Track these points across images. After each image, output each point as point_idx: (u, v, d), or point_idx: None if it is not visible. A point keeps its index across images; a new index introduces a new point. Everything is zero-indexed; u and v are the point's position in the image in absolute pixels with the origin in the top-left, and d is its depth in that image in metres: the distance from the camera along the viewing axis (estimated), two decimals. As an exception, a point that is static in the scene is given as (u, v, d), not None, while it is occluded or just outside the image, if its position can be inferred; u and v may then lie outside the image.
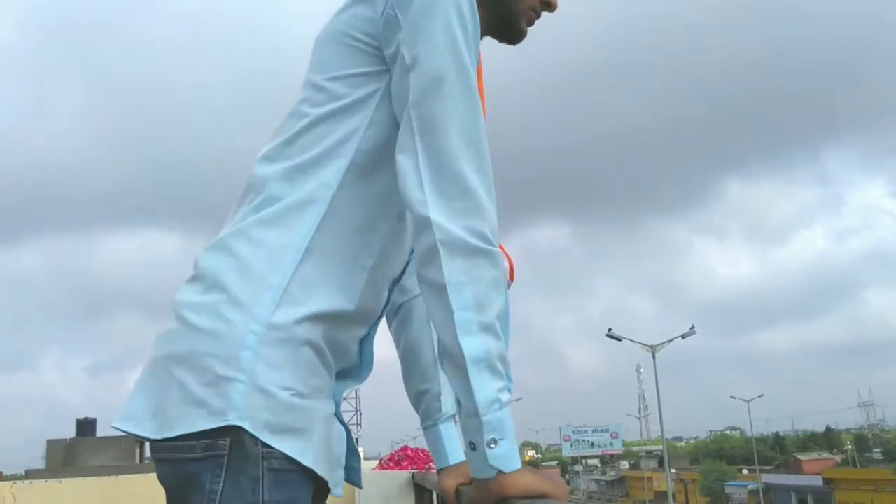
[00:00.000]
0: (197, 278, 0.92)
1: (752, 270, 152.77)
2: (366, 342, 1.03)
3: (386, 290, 1.03)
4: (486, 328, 0.85)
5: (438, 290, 0.85)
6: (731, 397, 48.93)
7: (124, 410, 0.91)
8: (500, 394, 0.85)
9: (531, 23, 1.10)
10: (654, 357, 29.57)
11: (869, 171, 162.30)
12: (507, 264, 2.27)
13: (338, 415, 1.00)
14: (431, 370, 1.16)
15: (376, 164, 0.94)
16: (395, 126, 0.92)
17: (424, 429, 1.17)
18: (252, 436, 0.84)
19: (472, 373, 0.84)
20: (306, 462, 0.87)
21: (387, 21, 0.92)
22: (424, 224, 0.85)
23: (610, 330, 30.02)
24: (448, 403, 1.14)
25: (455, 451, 1.13)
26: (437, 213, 0.84)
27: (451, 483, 1.09)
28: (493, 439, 0.84)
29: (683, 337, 30.47)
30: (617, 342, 30.44)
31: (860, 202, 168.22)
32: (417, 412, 1.18)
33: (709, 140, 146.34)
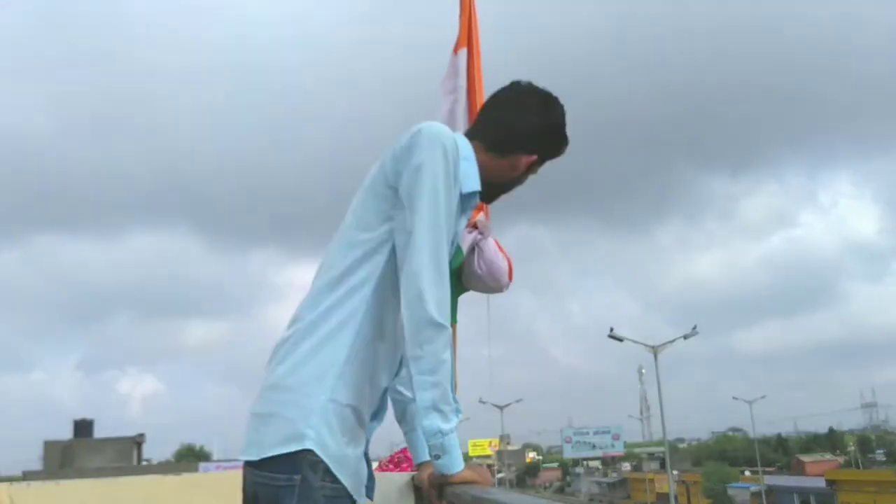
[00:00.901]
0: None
1: (752, 269, 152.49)
2: (384, 395, 1.55)
3: (396, 364, 1.54)
4: (435, 385, 1.35)
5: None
6: (734, 398, 48.88)
7: None
8: (442, 425, 1.35)
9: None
10: (655, 358, 29.51)
11: (861, 166, 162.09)
12: (505, 265, 2.29)
13: (366, 454, 1.51)
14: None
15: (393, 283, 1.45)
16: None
17: (406, 433, 1.77)
18: (320, 466, 1.35)
19: (424, 414, 1.36)
20: (346, 485, 1.38)
21: (396, 188, 1.44)
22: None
23: (612, 330, 29.98)
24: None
25: (425, 452, 1.67)
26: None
27: (424, 474, 1.67)
28: (436, 455, 1.38)
29: (686, 338, 30.42)
30: (619, 343, 30.43)
31: (858, 198, 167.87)
32: (399, 419, 1.75)
33: (697, 139, 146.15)
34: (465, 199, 1.50)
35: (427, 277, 1.35)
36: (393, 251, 1.44)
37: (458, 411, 1.41)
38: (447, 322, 1.37)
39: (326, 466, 1.34)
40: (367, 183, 1.50)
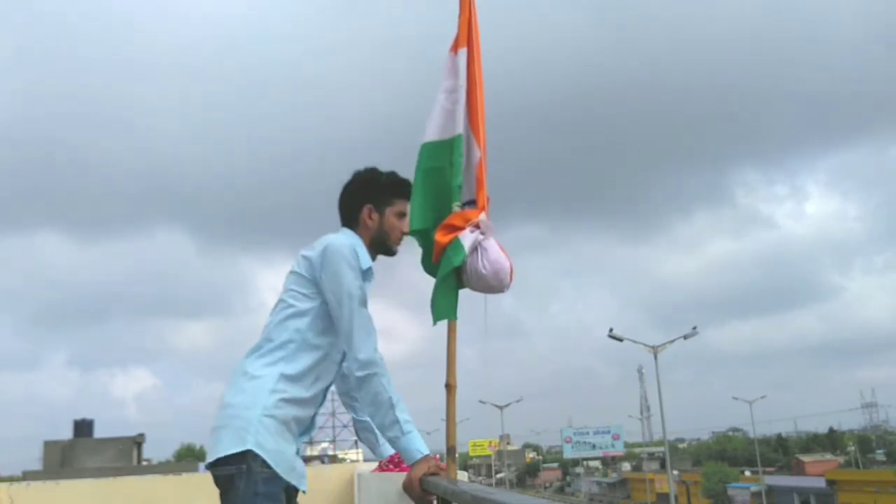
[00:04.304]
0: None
1: (750, 268, 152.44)
2: (313, 419, 2.12)
3: (326, 388, 2.15)
4: (373, 415, 2.05)
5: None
6: (734, 398, 48.91)
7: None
8: (389, 435, 2.03)
9: (399, 242, 2.25)
10: (655, 358, 29.51)
11: (859, 161, 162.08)
12: (507, 265, 2.29)
13: (298, 454, 2.06)
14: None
15: (323, 331, 2.08)
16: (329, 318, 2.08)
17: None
18: (257, 457, 1.92)
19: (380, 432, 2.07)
20: (280, 472, 1.96)
21: (316, 275, 2.08)
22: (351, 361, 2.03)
23: (611, 330, 29.97)
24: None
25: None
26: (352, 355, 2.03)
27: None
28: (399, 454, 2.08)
29: (686, 338, 30.40)
30: (619, 343, 30.42)
31: (860, 195, 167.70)
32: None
33: (683, 138, 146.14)
34: (365, 273, 2.10)
35: (355, 350, 2.00)
36: (315, 318, 2.06)
37: (402, 422, 1.97)
38: (372, 370, 1.98)
39: (263, 459, 1.91)
40: (293, 277, 2.12)
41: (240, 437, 1.91)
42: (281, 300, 2.12)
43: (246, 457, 1.91)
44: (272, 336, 2.05)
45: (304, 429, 2.10)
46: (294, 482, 2.01)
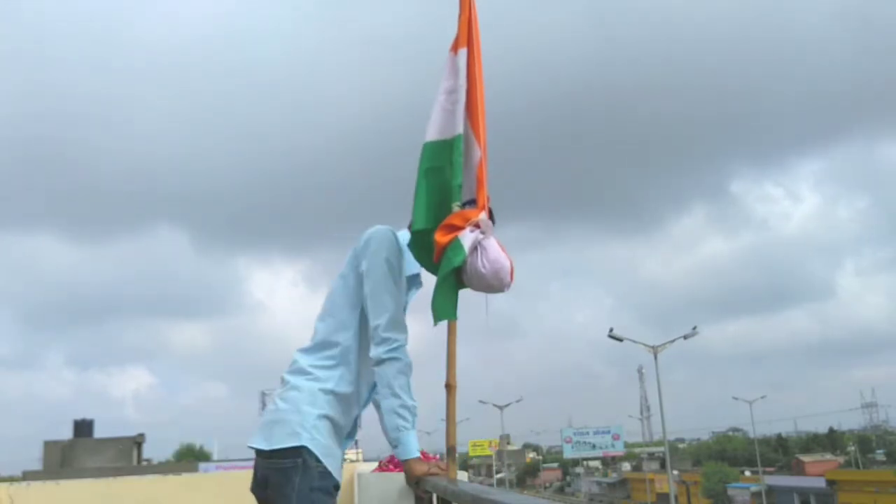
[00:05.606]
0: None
1: (748, 268, 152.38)
2: (356, 421, 2.16)
3: (364, 398, 2.19)
4: (393, 395, 2.03)
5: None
6: (734, 398, 48.95)
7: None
8: (399, 423, 2.03)
9: None
10: (655, 358, 29.52)
11: (858, 156, 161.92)
12: (508, 264, 2.29)
13: (343, 452, 2.12)
14: None
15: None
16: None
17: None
18: (313, 454, 1.98)
19: (386, 415, 2.06)
20: (332, 471, 2.01)
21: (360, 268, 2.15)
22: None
23: (611, 330, 29.98)
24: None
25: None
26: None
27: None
28: (394, 445, 2.05)
29: (686, 338, 30.41)
30: (619, 343, 30.43)
31: (861, 193, 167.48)
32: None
33: (673, 138, 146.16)
34: (410, 280, 2.21)
35: (380, 330, 2.05)
36: (362, 322, 2.12)
37: (414, 412, 2.04)
38: (395, 355, 2.04)
39: (317, 456, 1.97)
40: (344, 273, 2.19)
41: (295, 431, 1.97)
42: (330, 304, 2.19)
43: (301, 452, 1.96)
44: (325, 349, 2.12)
45: (349, 431, 2.15)
46: (339, 479, 2.07)
